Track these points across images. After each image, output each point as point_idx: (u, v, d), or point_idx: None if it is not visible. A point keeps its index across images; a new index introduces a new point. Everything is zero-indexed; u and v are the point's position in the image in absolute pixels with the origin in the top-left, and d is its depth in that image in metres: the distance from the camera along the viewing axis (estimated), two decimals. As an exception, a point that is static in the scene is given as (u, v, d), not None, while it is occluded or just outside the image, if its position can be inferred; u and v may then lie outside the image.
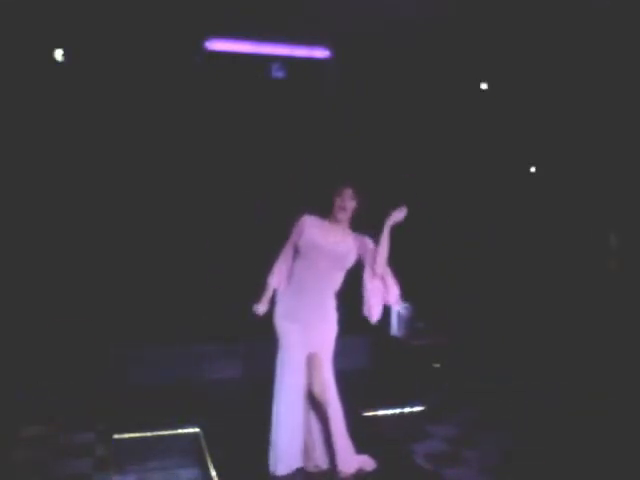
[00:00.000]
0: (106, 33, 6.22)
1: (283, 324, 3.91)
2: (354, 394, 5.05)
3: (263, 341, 4.16)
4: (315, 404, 3.89)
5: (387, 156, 7.23)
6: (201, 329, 6.22)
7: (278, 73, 6.93)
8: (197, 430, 4.69)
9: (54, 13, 5.88)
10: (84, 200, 6.48)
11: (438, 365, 6.45)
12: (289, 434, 3.86)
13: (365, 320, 3.99)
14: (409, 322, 6.41)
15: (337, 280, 3.94)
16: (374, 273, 3.86)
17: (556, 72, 6.98)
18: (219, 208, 6.90)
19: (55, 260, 6.33)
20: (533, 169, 7.79)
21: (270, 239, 4.26)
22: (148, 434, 4.58)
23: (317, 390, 3.84)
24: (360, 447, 4.03)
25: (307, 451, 3.97)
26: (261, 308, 4.01)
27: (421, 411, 5.10)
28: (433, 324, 6.66)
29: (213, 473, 4.08)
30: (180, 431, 4.68)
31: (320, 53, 7.00)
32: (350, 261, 3.91)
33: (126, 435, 4.57)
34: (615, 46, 6.32)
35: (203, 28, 6.49)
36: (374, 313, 3.92)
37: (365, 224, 4.04)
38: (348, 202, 3.88)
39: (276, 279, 3.97)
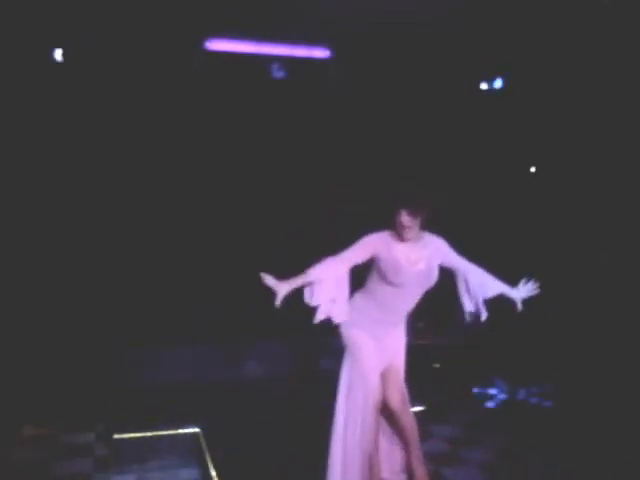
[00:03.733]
0: (106, 33, 6.22)
1: (360, 335, 3.65)
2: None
3: (263, 342, 4.15)
4: (392, 416, 3.72)
5: (386, 156, 7.24)
6: (202, 330, 6.23)
7: (278, 73, 6.93)
8: (197, 430, 4.69)
9: (54, 13, 5.88)
10: (88, 201, 6.49)
11: (438, 365, 6.45)
12: (359, 453, 3.66)
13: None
14: (409, 322, 6.40)
15: (419, 296, 3.70)
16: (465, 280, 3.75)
17: (556, 72, 6.98)
18: (219, 207, 6.90)
19: (56, 260, 6.33)
20: (533, 169, 7.80)
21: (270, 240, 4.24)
22: (148, 434, 4.58)
23: (396, 400, 3.68)
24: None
25: (372, 470, 3.74)
26: (272, 282, 3.46)
27: (421, 411, 5.09)
28: (433, 324, 6.66)
29: (213, 473, 4.08)
30: (180, 431, 4.68)
31: (320, 53, 7.00)
32: (435, 278, 3.62)
33: (126, 435, 4.57)
34: (614, 46, 6.33)
35: (203, 28, 6.49)
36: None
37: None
38: (406, 219, 3.46)
39: (317, 275, 3.49)
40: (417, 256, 3.55)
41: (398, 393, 3.71)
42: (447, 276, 3.87)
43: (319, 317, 3.53)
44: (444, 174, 7.51)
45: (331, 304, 3.54)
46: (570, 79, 6.94)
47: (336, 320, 3.59)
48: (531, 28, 6.45)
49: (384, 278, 3.55)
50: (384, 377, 3.70)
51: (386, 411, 3.75)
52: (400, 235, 3.52)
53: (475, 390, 5.72)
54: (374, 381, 3.65)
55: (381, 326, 3.68)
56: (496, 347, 6.82)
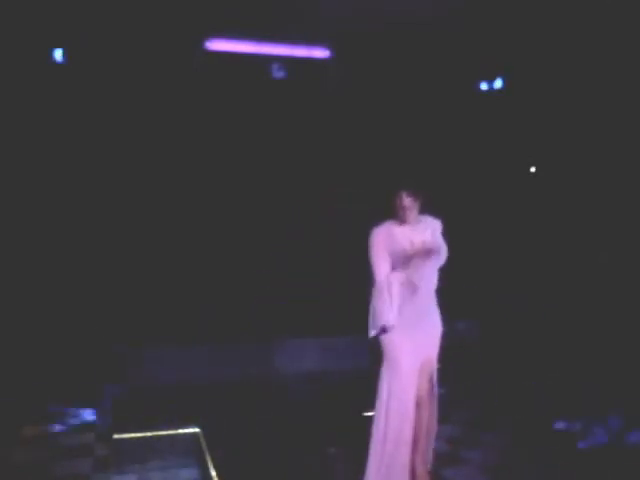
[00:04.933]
0: (106, 33, 6.23)
1: (393, 337, 3.65)
2: (354, 394, 5.06)
3: (261, 343, 4.14)
4: (416, 408, 3.71)
5: (386, 156, 7.24)
6: (202, 330, 6.23)
7: (278, 73, 6.93)
8: (197, 430, 4.69)
9: (54, 13, 5.88)
10: (88, 201, 6.49)
11: (438, 366, 6.45)
12: (401, 450, 3.67)
13: (365, 320, 3.95)
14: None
15: (436, 275, 3.74)
16: None
17: (556, 72, 6.98)
18: (219, 207, 6.90)
19: (55, 260, 6.33)
20: (533, 169, 7.80)
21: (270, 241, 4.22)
22: (148, 434, 4.58)
23: (424, 389, 3.70)
24: (361, 447, 4.02)
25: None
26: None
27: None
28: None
29: (213, 473, 4.08)
30: (180, 431, 4.68)
31: (320, 53, 7.00)
32: (443, 253, 3.72)
33: (126, 435, 4.56)
34: (614, 47, 6.33)
35: (203, 28, 6.49)
36: None
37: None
38: (407, 200, 3.60)
39: (392, 315, 3.61)
40: (420, 238, 3.64)
41: (427, 383, 3.72)
42: (450, 276, 3.88)
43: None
44: (444, 174, 7.52)
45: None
46: (570, 79, 6.95)
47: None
48: (531, 28, 6.45)
49: (396, 268, 3.61)
50: (420, 370, 3.71)
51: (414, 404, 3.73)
52: (401, 218, 3.62)
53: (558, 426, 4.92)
54: (412, 381, 3.65)
55: (412, 319, 3.65)
56: (495, 347, 6.83)
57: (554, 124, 7.34)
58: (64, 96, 6.36)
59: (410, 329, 3.65)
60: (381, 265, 3.63)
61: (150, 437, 4.57)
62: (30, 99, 6.22)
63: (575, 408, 5.28)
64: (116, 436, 4.56)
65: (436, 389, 3.82)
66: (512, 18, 6.32)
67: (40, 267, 6.28)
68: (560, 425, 4.86)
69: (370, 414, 4.14)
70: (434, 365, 3.79)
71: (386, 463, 3.68)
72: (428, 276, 3.66)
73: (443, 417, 5.21)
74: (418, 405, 3.70)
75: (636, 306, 6.29)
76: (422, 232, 3.67)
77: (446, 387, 5.94)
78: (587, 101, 6.89)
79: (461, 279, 7.17)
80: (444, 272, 3.84)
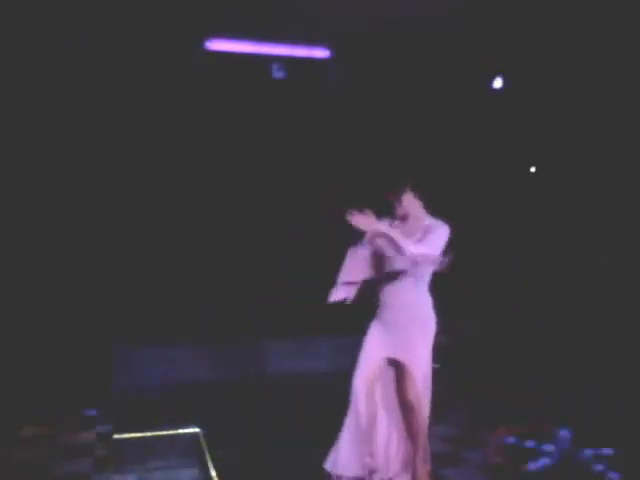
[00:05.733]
0: (106, 33, 6.22)
1: (371, 325, 3.86)
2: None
3: (261, 343, 4.15)
4: (404, 411, 3.78)
5: (386, 156, 7.24)
6: (202, 330, 6.23)
7: (278, 73, 6.93)
8: (197, 430, 4.69)
9: (54, 13, 5.88)
10: (88, 201, 6.49)
11: (437, 365, 6.45)
12: (357, 437, 3.76)
13: (365, 320, 3.96)
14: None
15: (424, 275, 3.74)
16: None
17: (556, 72, 6.98)
18: (219, 207, 6.90)
19: (56, 261, 6.33)
20: (533, 169, 7.80)
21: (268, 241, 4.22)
22: (148, 434, 4.59)
23: (409, 394, 3.72)
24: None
25: (373, 461, 3.84)
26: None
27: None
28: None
29: (213, 473, 4.08)
30: (180, 431, 4.69)
31: (320, 53, 7.00)
32: (428, 257, 3.64)
33: (126, 435, 4.57)
34: (615, 46, 6.33)
35: (203, 28, 6.49)
36: None
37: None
38: (391, 199, 3.77)
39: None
40: (412, 236, 3.64)
41: (410, 388, 3.72)
42: (451, 276, 3.87)
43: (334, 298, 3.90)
44: (444, 174, 7.51)
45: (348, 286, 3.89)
46: (570, 79, 6.95)
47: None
48: (531, 28, 6.45)
49: (383, 258, 3.74)
50: (400, 370, 3.76)
51: (402, 406, 3.79)
52: (395, 216, 3.78)
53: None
54: (367, 369, 3.79)
55: (389, 314, 3.77)
56: (495, 347, 6.83)
57: (554, 124, 7.34)
58: (64, 96, 6.35)
59: (384, 321, 3.79)
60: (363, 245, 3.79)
61: (150, 437, 4.57)
62: (30, 99, 6.22)
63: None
64: (116, 436, 4.57)
65: (424, 395, 3.80)
66: (512, 18, 6.32)
67: (40, 267, 6.28)
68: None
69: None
70: (416, 370, 3.74)
71: (346, 448, 3.77)
72: (407, 275, 3.68)
73: (443, 417, 5.24)
74: (409, 409, 3.73)
75: (636, 306, 6.29)
76: (417, 230, 3.68)
77: (446, 387, 5.96)
78: (587, 101, 6.90)
79: (461, 279, 7.18)
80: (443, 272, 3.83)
